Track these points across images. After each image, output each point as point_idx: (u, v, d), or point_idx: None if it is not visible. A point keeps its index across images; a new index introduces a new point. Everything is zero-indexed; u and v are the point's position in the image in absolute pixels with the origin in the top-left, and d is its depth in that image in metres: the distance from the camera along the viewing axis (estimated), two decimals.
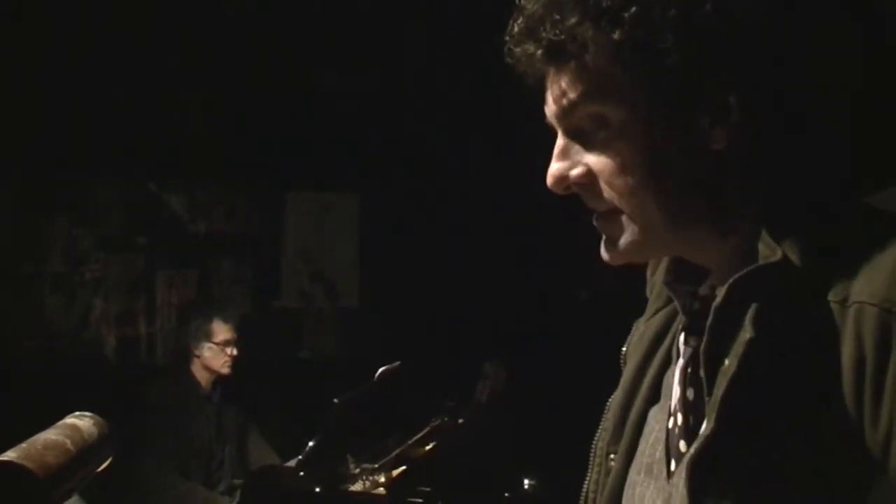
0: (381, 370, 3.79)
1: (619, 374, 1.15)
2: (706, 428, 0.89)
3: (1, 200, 4.75)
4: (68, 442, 1.08)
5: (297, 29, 5.01)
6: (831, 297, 0.86)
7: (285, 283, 5.86)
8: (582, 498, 1.15)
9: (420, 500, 3.31)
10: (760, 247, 0.89)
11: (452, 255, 5.64)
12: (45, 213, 4.90)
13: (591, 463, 1.13)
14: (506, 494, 3.70)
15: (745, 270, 0.89)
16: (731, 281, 0.89)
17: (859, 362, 0.83)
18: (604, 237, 0.99)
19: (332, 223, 5.96)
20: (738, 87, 0.89)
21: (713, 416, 0.88)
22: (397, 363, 3.89)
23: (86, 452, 1.11)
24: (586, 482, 1.14)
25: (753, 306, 0.87)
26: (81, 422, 1.18)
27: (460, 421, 4.13)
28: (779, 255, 0.87)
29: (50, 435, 1.08)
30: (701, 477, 0.89)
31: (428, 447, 3.79)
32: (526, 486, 3.43)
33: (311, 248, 5.90)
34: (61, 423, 1.16)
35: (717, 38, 0.88)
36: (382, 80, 5.34)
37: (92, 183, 5.02)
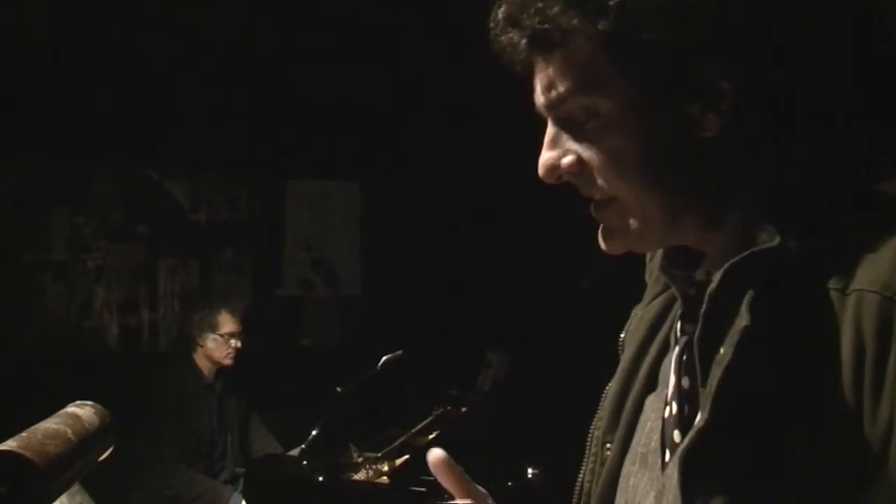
0: (383, 359, 3.79)
1: (619, 362, 1.13)
2: (700, 419, 0.87)
3: (2, 189, 4.75)
4: (69, 431, 1.06)
5: (299, 17, 4.98)
6: (831, 284, 0.84)
7: (286, 272, 5.85)
8: (577, 487, 1.13)
9: (423, 490, 3.30)
10: (758, 232, 0.87)
11: (454, 243, 5.62)
12: (46, 202, 4.89)
13: (587, 452, 1.12)
14: (509, 483, 3.69)
15: (740, 256, 0.87)
16: (725, 266, 0.87)
17: (859, 351, 0.81)
18: (601, 227, 0.97)
19: (332, 211, 5.94)
20: (729, 72, 0.87)
21: (707, 406, 0.86)
22: (400, 352, 3.88)
23: (87, 442, 1.09)
24: (582, 471, 1.12)
25: (750, 293, 0.85)
26: (82, 411, 1.16)
27: (463, 410, 4.13)
28: (776, 240, 0.85)
29: (50, 424, 1.06)
30: (693, 469, 0.87)
31: (431, 436, 3.78)
32: (530, 476, 3.41)
33: (312, 236, 5.88)
34: (62, 412, 1.14)
35: (706, 23, 0.86)
36: (383, 68, 5.32)
37: (93, 172, 5.02)
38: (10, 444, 0.96)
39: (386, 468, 3.41)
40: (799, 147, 0.91)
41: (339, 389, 3.50)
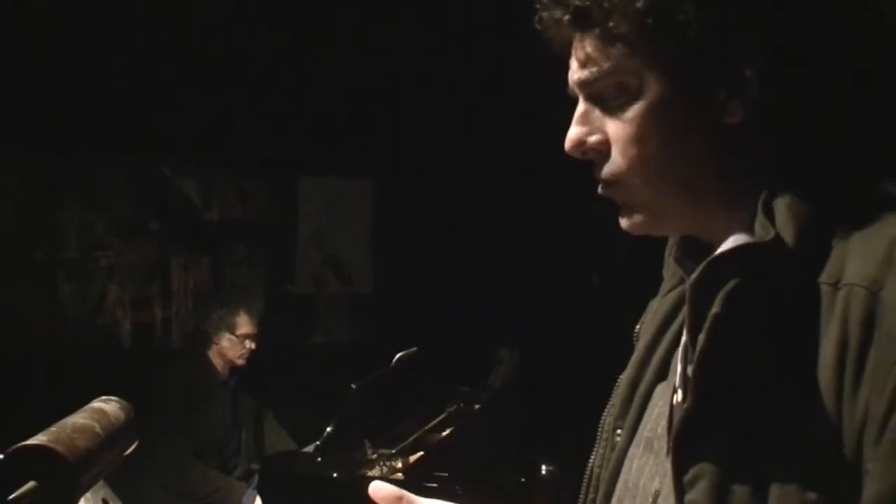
0: (398, 356, 3.79)
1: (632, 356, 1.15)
2: (687, 402, 0.91)
3: (15, 186, 4.76)
4: (97, 426, 1.06)
5: (312, 14, 4.99)
6: (823, 278, 0.86)
7: (299, 269, 5.86)
8: (587, 473, 1.15)
9: (437, 486, 3.31)
10: (756, 225, 0.90)
11: (465, 240, 5.63)
12: (58, 199, 4.91)
13: (598, 438, 1.14)
14: (522, 479, 3.70)
15: (727, 248, 0.90)
16: (709, 258, 0.90)
17: (843, 343, 0.83)
18: (620, 207, 1.00)
19: (344, 208, 5.95)
20: (756, 60, 0.89)
21: (691, 389, 0.90)
22: (414, 349, 3.88)
23: (113, 436, 1.10)
24: (592, 457, 1.15)
25: (731, 283, 0.87)
26: (108, 406, 1.16)
27: (476, 407, 4.13)
28: (771, 234, 0.87)
29: (78, 419, 1.06)
30: (683, 450, 0.90)
31: (444, 433, 3.79)
32: (544, 472, 3.42)
33: (324, 233, 5.90)
34: (88, 407, 1.14)
35: (738, 10, 0.89)
36: (395, 66, 5.32)
37: (105, 168, 5.03)
38: (40, 438, 0.96)
39: (400, 465, 3.41)
40: (800, 142, 0.93)
41: (353, 386, 3.51)
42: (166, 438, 3.90)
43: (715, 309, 0.87)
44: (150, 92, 4.83)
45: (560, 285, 5.67)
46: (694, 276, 0.91)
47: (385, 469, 3.40)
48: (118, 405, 1.19)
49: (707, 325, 0.87)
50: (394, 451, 3.48)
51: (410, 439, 3.62)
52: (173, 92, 4.91)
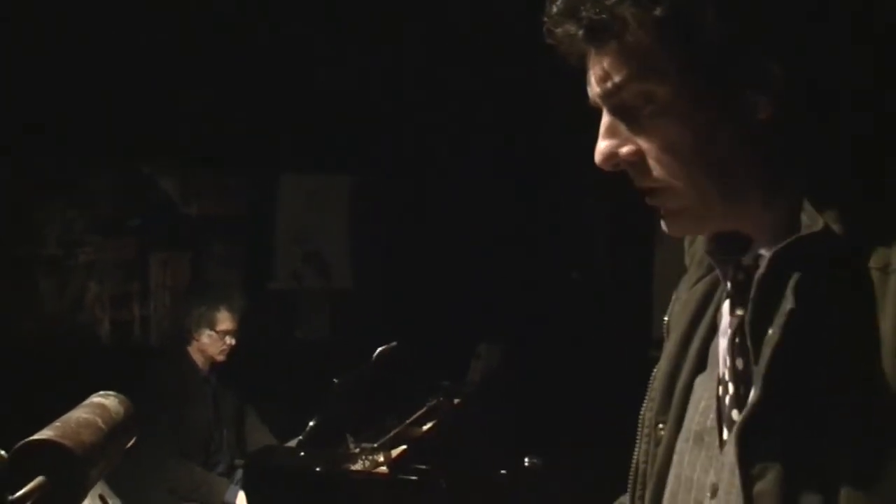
0: (378, 350, 3.81)
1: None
2: (753, 395, 0.92)
3: None
4: (99, 420, 1.08)
5: (293, 12, 4.99)
6: (872, 264, 0.88)
7: (278, 265, 5.86)
8: (632, 469, 1.15)
9: (419, 479, 3.33)
10: (803, 217, 0.90)
11: (445, 236, 5.65)
12: (38, 196, 4.89)
13: (639, 434, 1.14)
14: (502, 472, 3.72)
15: (786, 241, 0.90)
16: (772, 252, 0.91)
17: None
18: (662, 212, 0.99)
19: (324, 205, 5.96)
20: (780, 55, 0.89)
21: (759, 384, 0.90)
22: (394, 343, 3.90)
23: (115, 430, 1.12)
24: (636, 453, 1.15)
25: (795, 276, 0.89)
26: (108, 400, 1.18)
27: (456, 401, 4.16)
28: (820, 224, 0.88)
29: (81, 413, 1.08)
30: (749, 443, 0.91)
31: (426, 427, 3.81)
32: (526, 464, 3.45)
33: (303, 229, 5.90)
34: (88, 401, 1.16)
35: (757, 7, 0.88)
36: (375, 63, 5.33)
37: (86, 166, 5.01)
38: (47, 433, 0.98)
39: (382, 459, 3.43)
40: (846, 130, 0.93)
41: (336, 381, 3.53)
42: (150, 435, 3.90)
43: (790, 305, 0.88)
44: (130, 90, 4.81)
45: (540, 280, 5.70)
46: (761, 271, 0.92)
47: (368, 463, 3.42)
48: (117, 399, 1.20)
49: (783, 320, 0.88)
50: (376, 446, 3.50)
51: (392, 433, 3.64)
52: (153, 90, 4.90)
